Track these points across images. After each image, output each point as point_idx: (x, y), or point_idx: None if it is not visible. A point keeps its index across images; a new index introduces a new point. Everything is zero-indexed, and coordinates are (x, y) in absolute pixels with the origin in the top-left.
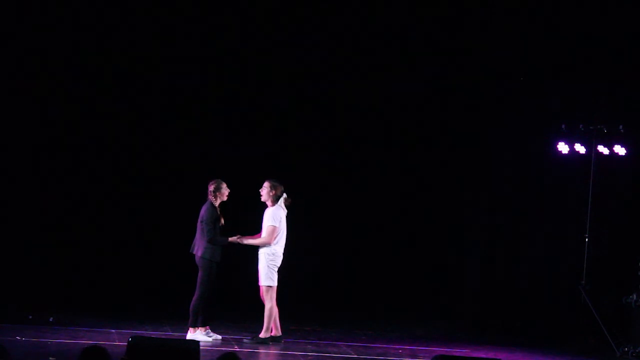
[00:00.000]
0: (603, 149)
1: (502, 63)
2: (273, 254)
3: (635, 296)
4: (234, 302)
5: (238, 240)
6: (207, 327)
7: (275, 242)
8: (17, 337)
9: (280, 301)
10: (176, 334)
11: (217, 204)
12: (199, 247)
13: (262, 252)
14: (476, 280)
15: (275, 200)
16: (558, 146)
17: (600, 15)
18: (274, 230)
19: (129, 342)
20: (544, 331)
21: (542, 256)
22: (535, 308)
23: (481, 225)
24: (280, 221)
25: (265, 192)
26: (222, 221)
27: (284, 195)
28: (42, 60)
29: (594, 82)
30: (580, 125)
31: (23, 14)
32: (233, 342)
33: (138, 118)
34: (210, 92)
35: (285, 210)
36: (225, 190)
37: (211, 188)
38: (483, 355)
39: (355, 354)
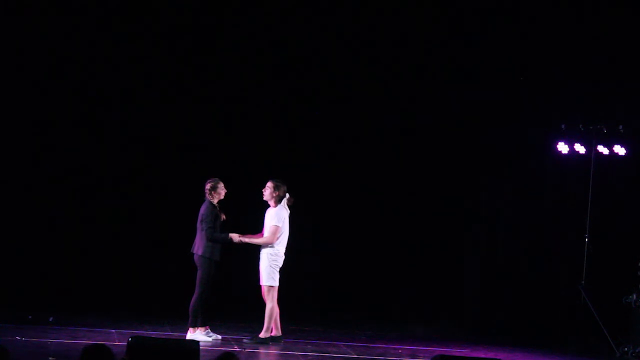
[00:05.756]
0: (603, 149)
1: (502, 63)
2: (275, 254)
3: (635, 296)
4: (235, 302)
5: (240, 238)
6: (207, 327)
7: (277, 242)
8: (17, 337)
9: (280, 301)
10: (176, 334)
11: (215, 202)
12: (199, 247)
13: (264, 252)
14: (476, 280)
15: (278, 201)
16: (558, 146)
17: (600, 15)
18: (276, 230)
19: (129, 342)
20: (544, 331)
21: (542, 256)
22: (535, 308)
23: (481, 225)
24: (283, 221)
25: (268, 192)
26: (224, 216)
27: (287, 195)
28: (41, 58)
29: (594, 82)
30: (580, 125)
31: (18, 14)
32: (233, 342)
33: (138, 117)
34: (210, 91)
35: (288, 211)
36: (222, 189)
37: (208, 187)
38: (483, 355)
39: (355, 354)
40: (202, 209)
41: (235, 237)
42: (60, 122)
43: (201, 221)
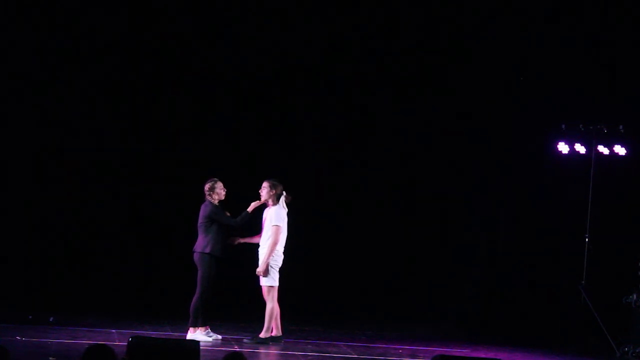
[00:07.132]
0: (603, 149)
1: (502, 63)
2: (275, 254)
3: (635, 296)
4: (235, 302)
5: (253, 205)
6: (207, 327)
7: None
8: (17, 337)
9: (280, 301)
10: (176, 334)
11: (215, 203)
12: (202, 245)
13: (263, 253)
14: (476, 281)
15: (276, 199)
16: (558, 146)
17: (600, 15)
18: (278, 230)
19: (129, 342)
20: (544, 331)
21: (542, 256)
22: (535, 308)
23: (481, 225)
24: (283, 220)
25: (265, 192)
26: (228, 215)
27: (284, 193)
28: (43, 58)
29: (594, 82)
30: (580, 125)
31: (21, 12)
32: (233, 342)
33: (138, 117)
34: (210, 91)
35: (286, 209)
36: (221, 190)
37: (207, 187)
38: (483, 355)
39: (355, 354)
40: (204, 210)
41: (253, 204)
42: (61, 122)
43: (205, 221)
